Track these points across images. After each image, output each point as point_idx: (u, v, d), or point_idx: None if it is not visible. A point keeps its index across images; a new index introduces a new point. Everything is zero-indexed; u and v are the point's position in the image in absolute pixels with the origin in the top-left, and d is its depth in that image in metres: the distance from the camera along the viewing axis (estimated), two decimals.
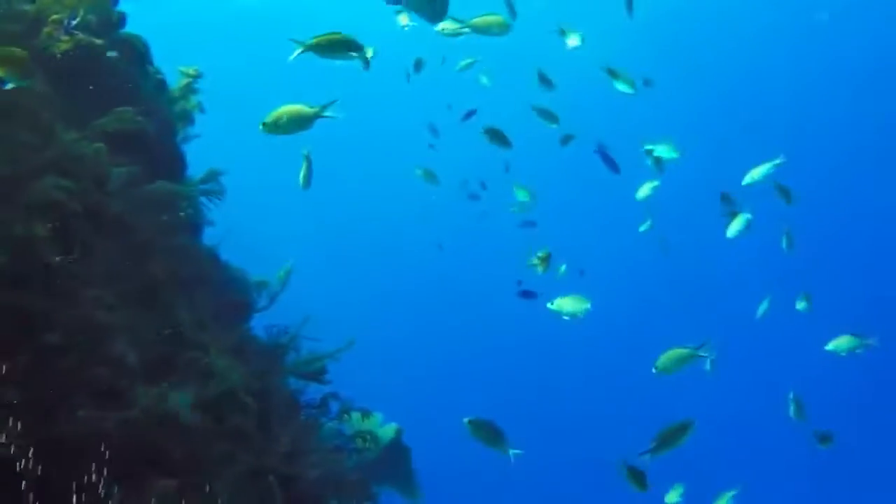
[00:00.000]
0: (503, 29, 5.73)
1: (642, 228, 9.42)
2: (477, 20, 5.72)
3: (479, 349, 22.88)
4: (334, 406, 5.33)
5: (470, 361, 22.65)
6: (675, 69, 21.37)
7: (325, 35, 4.49)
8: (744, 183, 7.28)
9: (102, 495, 3.56)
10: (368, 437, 5.48)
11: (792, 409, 6.79)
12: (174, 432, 3.79)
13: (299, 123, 3.94)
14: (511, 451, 4.24)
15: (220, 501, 3.87)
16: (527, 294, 7.21)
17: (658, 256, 12.65)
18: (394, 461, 7.21)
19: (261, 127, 3.94)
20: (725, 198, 7.44)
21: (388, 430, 7.14)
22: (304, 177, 5.49)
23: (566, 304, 5.01)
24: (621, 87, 6.98)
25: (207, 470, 3.93)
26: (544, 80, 7.49)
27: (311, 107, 3.98)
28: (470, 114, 9.71)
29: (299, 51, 4.38)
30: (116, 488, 3.60)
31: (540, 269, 5.30)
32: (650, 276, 21.16)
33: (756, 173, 7.22)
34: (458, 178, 12.90)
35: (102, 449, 3.53)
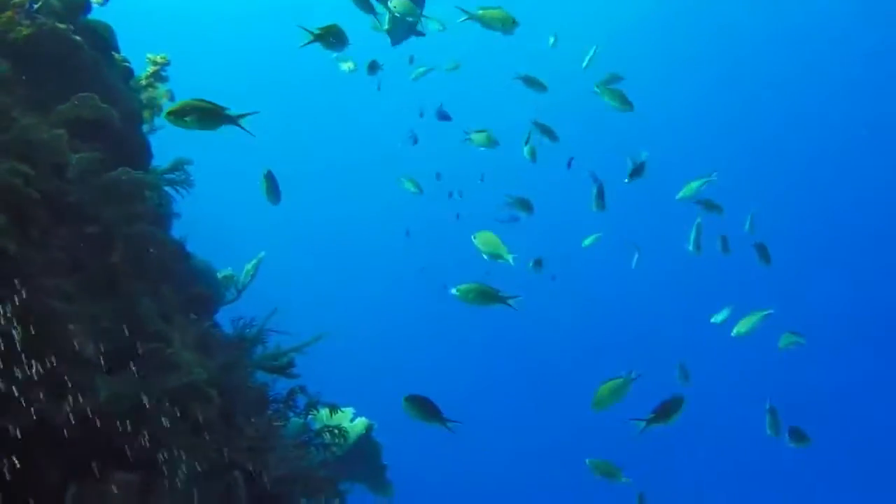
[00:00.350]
0: (508, 26, 5.56)
1: (586, 243, 9.30)
2: (483, 12, 5.58)
3: (457, 345, 22.86)
4: (301, 400, 5.23)
5: (446, 357, 22.61)
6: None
7: (328, 27, 4.56)
8: (678, 197, 7.21)
9: (58, 491, 3.47)
10: (336, 431, 5.39)
11: (768, 422, 6.62)
12: (134, 425, 3.69)
13: (206, 123, 3.79)
14: (448, 423, 4.20)
15: (181, 497, 3.78)
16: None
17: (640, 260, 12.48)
18: (364, 457, 7.12)
19: (164, 115, 3.83)
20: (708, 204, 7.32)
21: (358, 426, 7.04)
22: (269, 194, 5.39)
23: (468, 292, 4.70)
24: (614, 104, 6.74)
25: (169, 464, 3.83)
26: (532, 83, 7.34)
27: (225, 111, 3.80)
28: (443, 114, 9.54)
29: (308, 41, 4.42)
30: (73, 483, 3.51)
31: (485, 253, 5.03)
32: (629, 279, 21.08)
33: (690, 188, 7.17)
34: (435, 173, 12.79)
35: (58, 442, 3.45)
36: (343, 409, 6.32)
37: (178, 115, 3.73)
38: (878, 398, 21.76)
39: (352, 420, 7.04)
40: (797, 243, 20.63)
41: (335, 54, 7.09)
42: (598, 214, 7.75)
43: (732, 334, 6.99)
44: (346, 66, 8.35)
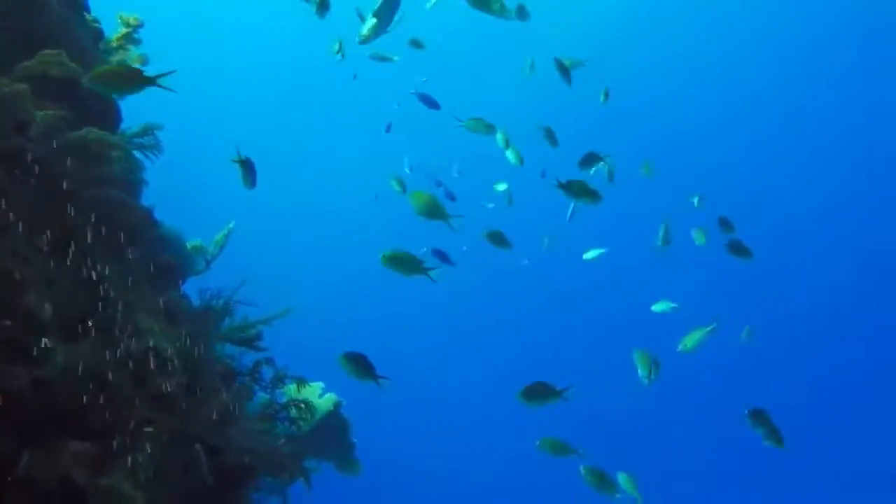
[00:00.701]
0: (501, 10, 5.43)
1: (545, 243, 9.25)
2: None
3: (431, 322, 22.77)
4: (268, 373, 5.13)
5: (419, 335, 22.52)
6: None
7: None
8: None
9: (11, 459, 3.35)
10: (303, 406, 5.28)
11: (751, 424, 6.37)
12: (92, 393, 3.57)
13: (127, 87, 3.67)
14: (378, 379, 4.15)
15: (140, 468, 3.67)
16: (439, 254, 7.09)
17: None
18: (331, 434, 7.03)
19: (85, 80, 3.71)
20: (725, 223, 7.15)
21: (326, 402, 6.94)
22: (245, 180, 5.27)
23: (391, 259, 4.57)
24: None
25: (128, 435, 3.72)
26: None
27: (143, 73, 3.67)
28: (429, 101, 9.28)
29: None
30: (26, 452, 3.38)
31: (419, 212, 4.80)
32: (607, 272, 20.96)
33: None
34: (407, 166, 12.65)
35: (12, 409, 3.32)
36: (312, 383, 6.23)
37: (98, 80, 3.62)
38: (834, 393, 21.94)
39: (320, 396, 6.94)
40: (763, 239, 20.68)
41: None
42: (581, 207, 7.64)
43: (679, 350, 6.89)
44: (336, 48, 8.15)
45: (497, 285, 22.05)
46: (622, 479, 5.65)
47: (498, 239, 6.19)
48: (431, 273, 4.52)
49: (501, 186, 9.23)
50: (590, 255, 9.22)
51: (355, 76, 9.99)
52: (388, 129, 11.98)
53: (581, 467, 5.03)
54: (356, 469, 7.46)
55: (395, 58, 8.53)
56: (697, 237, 7.18)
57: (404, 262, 4.47)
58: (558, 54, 6.79)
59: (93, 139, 4.07)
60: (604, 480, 4.96)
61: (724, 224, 7.00)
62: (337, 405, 7.00)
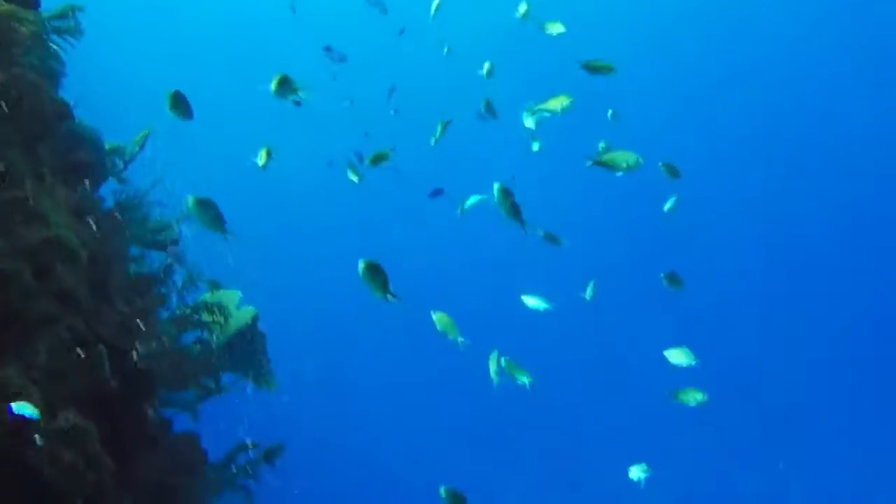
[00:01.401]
0: None
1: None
2: None
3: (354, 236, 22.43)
4: (180, 275, 4.93)
5: (339, 250, 22.14)
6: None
7: None
8: None
9: None
10: (216, 310, 5.09)
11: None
12: None
13: None
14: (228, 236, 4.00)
15: (35, 365, 3.50)
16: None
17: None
18: (247, 347, 6.84)
19: None
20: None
21: (244, 314, 6.73)
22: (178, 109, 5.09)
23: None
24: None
25: (25, 329, 3.54)
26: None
27: None
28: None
29: None
30: None
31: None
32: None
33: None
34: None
35: None
36: (229, 290, 6.03)
37: None
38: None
39: (238, 308, 6.73)
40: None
41: None
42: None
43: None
44: None
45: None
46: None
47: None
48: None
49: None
50: (470, 201, 9.10)
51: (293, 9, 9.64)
52: (342, 59, 11.44)
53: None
54: (271, 384, 7.31)
55: None
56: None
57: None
58: None
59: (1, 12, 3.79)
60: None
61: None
62: (255, 318, 6.80)
